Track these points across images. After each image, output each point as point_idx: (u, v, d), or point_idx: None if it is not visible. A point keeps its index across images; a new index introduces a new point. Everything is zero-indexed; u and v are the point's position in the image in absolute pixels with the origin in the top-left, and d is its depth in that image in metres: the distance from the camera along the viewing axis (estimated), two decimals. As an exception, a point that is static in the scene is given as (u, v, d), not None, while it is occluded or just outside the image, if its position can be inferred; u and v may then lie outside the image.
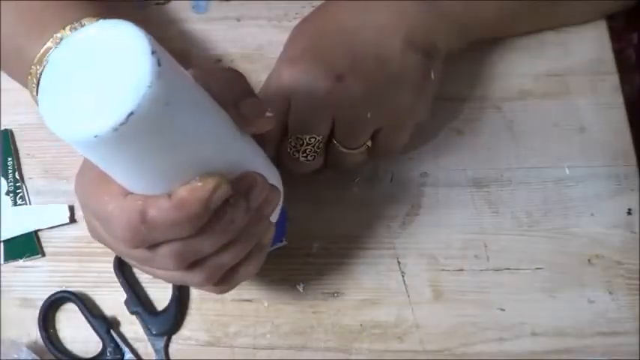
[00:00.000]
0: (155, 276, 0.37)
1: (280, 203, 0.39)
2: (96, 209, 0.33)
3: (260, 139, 0.45)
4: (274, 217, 0.39)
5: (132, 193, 0.31)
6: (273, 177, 0.38)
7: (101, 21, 0.28)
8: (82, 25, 0.41)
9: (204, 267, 0.35)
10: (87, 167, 0.34)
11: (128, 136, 0.26)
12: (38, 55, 0.41)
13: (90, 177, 0.33)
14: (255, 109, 0.35)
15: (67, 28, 0.41)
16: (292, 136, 0.44)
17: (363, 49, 0.44)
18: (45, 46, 0.41)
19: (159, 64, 0.26)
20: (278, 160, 0.46)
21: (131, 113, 0.25)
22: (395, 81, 0.44)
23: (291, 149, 0.45)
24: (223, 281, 0.37)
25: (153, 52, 0.26)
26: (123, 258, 0.38)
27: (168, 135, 0.28)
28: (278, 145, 0.46)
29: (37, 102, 0.43)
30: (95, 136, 0.25)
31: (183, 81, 0.28)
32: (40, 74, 0.42)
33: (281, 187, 0.39)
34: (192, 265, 0.34)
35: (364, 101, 0.43)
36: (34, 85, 0.42)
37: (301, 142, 0.44)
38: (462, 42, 0.50)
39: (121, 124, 0.25)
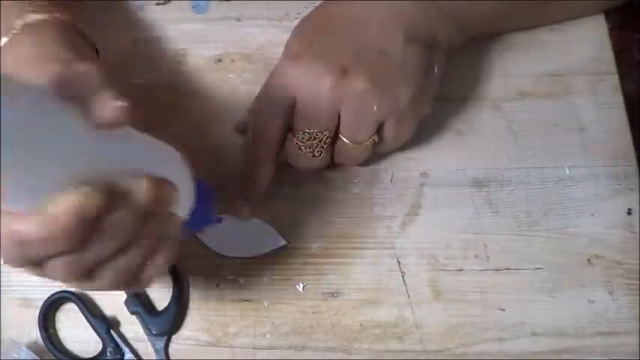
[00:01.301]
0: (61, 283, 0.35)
1: (187, 191, 0.37)
2: None
3: (265, 138, 0.46)
4: (183, 206, 0.37)
5: (6, 213, 0.29)
6: (169, 167, 0.36)
7: None
8: (25, 23, 0.39)
9: (105, 274, 0.33)
10: None
11: None
12: None
13: None
14: (106, 101, 0.31)
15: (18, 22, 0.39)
16: (299, 132, 0.44)
17: (365, 43, 0.44)
18: None
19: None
20: (285, 158, 0.47)
21: None
22: (399, 74, 0.44)
23: (298, 145, 0.45)
24: (134, 281, 0.35)
25: None
26: None
27: (13, 147, 0.25)
28: (283, 143, 0.46)
29: None
30: None
31: (21, 91, 0.27)
32: None
33: (186, 173, 0.37)
34: (88, 274, 0.33)
35: (369, 95, 0.43)
36: None
37: (308, 138, 0.44)
38: (462, 37, 0.50)
39: None
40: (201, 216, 0.40)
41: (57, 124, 0.28)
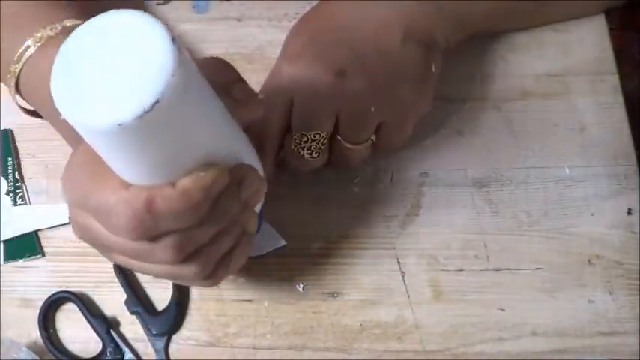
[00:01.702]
0: (147, 272, 0.37)
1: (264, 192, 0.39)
2: (95, 203, 0.32)
3: (264, 138, 0.46)
4: (258, 208, 0.39)
5: (132, 185, 0.31)
6: (259, 168, 0.38)
7: (112, 11, 0.27)
8: (63, 26, 0.41)
9: (198, 258, 0.35)
10: (79, 162, 0.34)
11: (150, 125, 0.26)
12: (17, 54, 0.41)
13: (85, 172, 0.33)
14: (247, 93, 0.35)
15: (48, 27, 0.41)
16: (296, 133, 0.44)
17: (363, 43, 0.44)
18: (24, 45, 0.41)
19: (180, 53, 0.25)
20: (283, 158, 0.47)
21: (156, 101, 0.25)
22: (396, 74, 0.44)
23: (295, 146, 0.45)
24: (213, 274, 0.37)
25: (174, 41, 0.26)
26: (112, 259, 0.37)
27: (183, 124, 0.28)
28: (281, 144, 0.46)
29: (15, 99, 0.43)
30: (119, 125, 0.25)
31: (195, 70, 0.28)
32: (19, 73, 0.42)
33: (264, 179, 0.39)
34: (187, 257, 0.34)
35: (367, 95, 0.43)
36: (12, 84, 0.42)
37: (305, 139, 0.44)
38: (460, 36, 0.50)
39: (146, 112, 0.25)
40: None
41: (212, 108, 0.30)
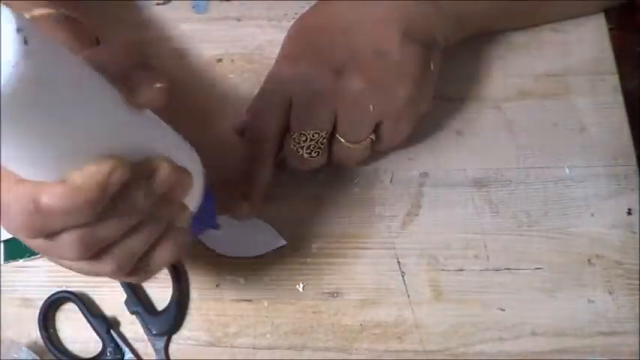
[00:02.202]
0: (64, 266, 0.35)
1: (200, 187, 0.38)
2: None
3: (263, 138, 0.46)
4: (193, 201, 0.37)
5: (25, 181, 0.30)
6: (188, 160, 0.36)
7: None
8: (32, 16, 0.40)
9: (112, 255, 0.33)
10: None
11: (3, 117, 0.25)
12: None
13: None
14: (145, 80, 0.32)
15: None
16: (295, 133, 0.44)
17: (361, 42, 0.44)
18: None
19: (25, 43, 0.25)
20: (282, 158, 0.47)
21: None
22: (395, 73, 0.44)
23: (294, 146, 0.45)
24: (137, 270, 0.35)
25: (18, 30, 0.25)
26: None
27: (48, 114, 0.26)
28: (281, 144, 0.46)
29: None
30: None
31: (58, 59, 0.27)
32: None
33: (199, 170, 0.38)
34: (98, 253, 0.33)
35: (365, 94, 0.43)
36: None
37: (304, 138, 0.44)
38: (459, 35, 0.50)
39: None
40: (203, 218, 0.40)
41: (92, 96, 0.29)
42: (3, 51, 0.24)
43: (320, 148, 0.45)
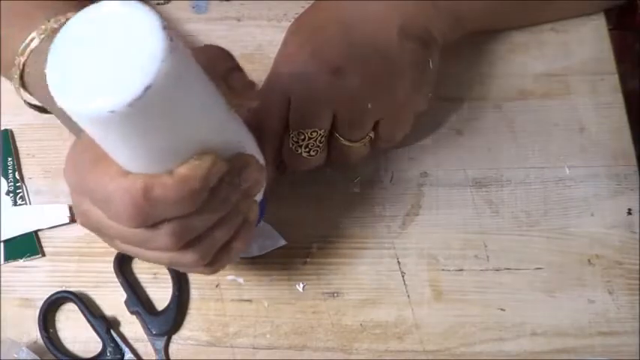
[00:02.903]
0: (148, 259, 0.37)
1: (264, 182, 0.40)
2: (94, 190, 0.32)
3: (263, 137, 0.46)
4: (259, 197, 0.39)
5: (130, 173, 0.31)
6: (260, 158, 0.38)
7: (105, 1, 0.28)
8: (68, 19, 0.41)
9: (199, 245, 0.35)
10: (80, 150, 0.34)
11: (142, 112, 0.26)
12: (22, 46, 0.41)
13: (85, 159, 0.33)
14: (244, 82, 0.35)
15: (52, 20, 0.41)
16: (294, 132, 0.44)
17: (360, 40, 0.44)
18: (29, 37, 0.41)
19: (171, 39, 0.26)
20: (281, 157, 0.47)
21: (148, 87, 0.25)
22: (393, 71, 0.44)
23: (293, 145, 0.45)
24: (214, 261, 0.38)
25: (164, 28, 0.26)
26: (115, 246, 0.37)
27: (177, 111, 0.28)
28: (280, 142, 0.46)
29: (19, 93, 0.43)
30: (110, 112, 0.25)
31: (188, 57, 0.29)
32: (24, 65, 0.41)
33: (264, 168, 0.40)
34: (187, 244, 0.35)
35: (363, 92, 0.43)
36: (16, 77, 0.42)
37: (303, 137, 0.44)
38: (458, 33, 0.50)
39: (137, 98, 0.25)
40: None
41: (206, 95, 0.31)
42: (152, 46, 0.26)
43: (319, 146, 0.45)
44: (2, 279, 0.49)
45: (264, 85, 0.47)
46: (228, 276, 0.49)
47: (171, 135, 0.29)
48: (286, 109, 0.44)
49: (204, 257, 0.36)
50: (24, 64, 0.42)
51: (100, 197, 0.32)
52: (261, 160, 0.38)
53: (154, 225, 0.33)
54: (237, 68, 0.36)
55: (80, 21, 0.28)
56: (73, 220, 0.50)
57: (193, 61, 0.29)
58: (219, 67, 0.35)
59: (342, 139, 0.45)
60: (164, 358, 0.47)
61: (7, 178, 0.51)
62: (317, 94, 0.43)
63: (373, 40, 0.44)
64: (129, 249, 0.37)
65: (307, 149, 0.45)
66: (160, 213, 0.32)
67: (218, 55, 0.36)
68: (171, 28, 0.27)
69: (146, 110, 0.26)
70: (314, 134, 0.44)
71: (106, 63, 0.26)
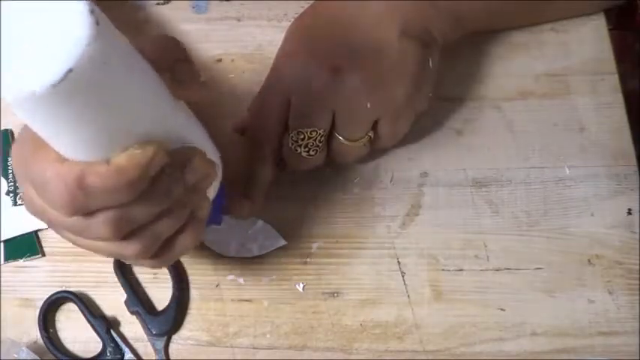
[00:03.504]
0: (90, 249, 0.37)
1: (218, 181, 0.39)
2: (33, 176, 0.32)
3: (263, 137, 0.46)
4: (211, 194, 0.39)
5: (67, 160, 0.31)
6: (212, 154, 0.38)
7: None
8: None
9: (140, 237, 0.35)
10: (24, 136, 0.34)
11: (66, 95, 0.26)
12: None
13: (27, 145, 0.33)
14: (189, 74, 0.35)
15: None
16: (293, 131, 0.44)
17: (359, 40, 0.44)
18: None
19: (97, 24, 0.26)
20: (281, 156, 0.47)
21: (69, 70, 0.25)
22: (393, 70, 0.44)
23: (292, 144, 0.45)
24: (159, 254, 0.37)
25: (91, 12, 0.26)
26: (62, 235, 0.37)
27: (106, 96, 0.28)
28: (280, 142, 0.46)
29: None
30: (33, 94, 0.25)
31: (120, 43, 0.28)
32: None
33: (220, 165, 0.39)
34: (127, 235, 0.34)
35: (363, 92, 0.43)
36: None
37: (302, 137, 0.44)
38: (457, 32, 0.50)
39: (60, 81, 0.25)
40: (212, 212, 0.41)
41: (143, 83, 0.30)
42: (77, 30, 0.25)
43: (318, 146, 0.45)
44: (2, 279, 0.49)
45: (264, 85, 0.47)
46: (228, 276, 0.49)
47: (105, 122, 0.29)
48: (286, 109, 0.44)
49: (146, 250, 0.36)
50: None
51: (39, 183, 0.32)
52: (214, 156, 0.37)
53: (91, 213, 0.32)
54: (186, 60, 0.35)
55: (8, 4, 0.27)
56: (73, 220, 0.50)
57: (129, 49, 0.29)
58: (166, 57, 0.34)
59: (341, 138, 0.45)
60: (164, 358, 0.47)
61: (7, 178, 0.51)
62: (317, 94, 0.43)
63: (373, 40, 0.44)
64: (70, 237, 0.36)
65: (307, 149, 0.45)
66: (95, 202, 0.31)
67: (166, 46, 0.35)
68: (101, 14, 0.26)
69: (71, 94, 0.26)
70: (313, 134, 0.44)
71: (31, 46, 0.26)
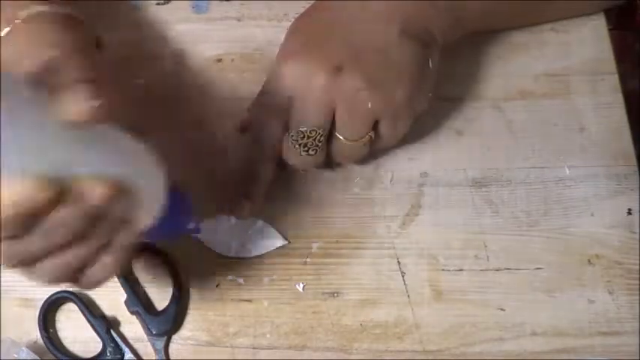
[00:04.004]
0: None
1: (155, 199, 0.37)
2: None
3: (264, 137, 0.46)
4: (150, 211, 0.36)
5: None
6: (140, 174, 0.35)
7: None
8: (29, 13, 0.39)
9: (45, 266, 0.34)
10: None
11: None
12: None
13: None
14: (76, 95, 0.31)
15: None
16: (293, 131, 0.44)
17: (360, 39, 0.44)
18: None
19: None
20: (281, 156, 0.47)
21: None
22: (393, 70, 0.44)
23: (292, 144, 0.45)
24: (77, 280, 0.36)
25: None
26: None
27: None
28: (280, 142, 0.46)
29: None
30: None
31: None
32: None
33: (158, 181, 0.37)
34: (28, 264, 0.33)
35: (363, 92, 0.43)
36: None
37: (302, 136, 0.44)
38: (458, 32, 0.50)
39: None
40: (173, 223, 0.40)
41: (23, 112, 0.28)
42: None
43: (318, 146, 0.45)
44: (2, 279, 0.49)
45: (265, 85, 0.47)
46: (228, 276, 0.49)
47: None
48: (286, 109, 0.44)
49: (55, 278, 0.34)
50: None
51: None
52: (147, 180, 0.35)
53: None
54: (85, 80, 0.32)
55: None
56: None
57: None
58: (51, 80, 0.31)
59: (341, 138, 0.45)
60: (164, 358, 0.47)
61: None
62: (316, 93, 0.43)
63: (373, 39, 0.44)
64: None
65: (306, 148, 0.45)
66: None
67: (68, 63, 0.32)
68: None
69: None
70: (313, 133, 0.44)
71: None
